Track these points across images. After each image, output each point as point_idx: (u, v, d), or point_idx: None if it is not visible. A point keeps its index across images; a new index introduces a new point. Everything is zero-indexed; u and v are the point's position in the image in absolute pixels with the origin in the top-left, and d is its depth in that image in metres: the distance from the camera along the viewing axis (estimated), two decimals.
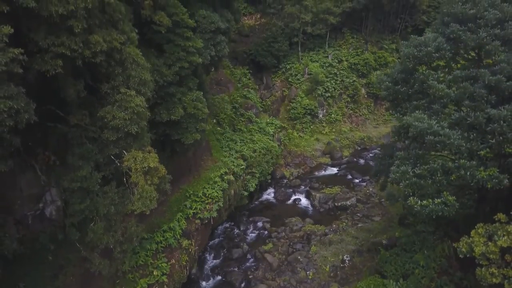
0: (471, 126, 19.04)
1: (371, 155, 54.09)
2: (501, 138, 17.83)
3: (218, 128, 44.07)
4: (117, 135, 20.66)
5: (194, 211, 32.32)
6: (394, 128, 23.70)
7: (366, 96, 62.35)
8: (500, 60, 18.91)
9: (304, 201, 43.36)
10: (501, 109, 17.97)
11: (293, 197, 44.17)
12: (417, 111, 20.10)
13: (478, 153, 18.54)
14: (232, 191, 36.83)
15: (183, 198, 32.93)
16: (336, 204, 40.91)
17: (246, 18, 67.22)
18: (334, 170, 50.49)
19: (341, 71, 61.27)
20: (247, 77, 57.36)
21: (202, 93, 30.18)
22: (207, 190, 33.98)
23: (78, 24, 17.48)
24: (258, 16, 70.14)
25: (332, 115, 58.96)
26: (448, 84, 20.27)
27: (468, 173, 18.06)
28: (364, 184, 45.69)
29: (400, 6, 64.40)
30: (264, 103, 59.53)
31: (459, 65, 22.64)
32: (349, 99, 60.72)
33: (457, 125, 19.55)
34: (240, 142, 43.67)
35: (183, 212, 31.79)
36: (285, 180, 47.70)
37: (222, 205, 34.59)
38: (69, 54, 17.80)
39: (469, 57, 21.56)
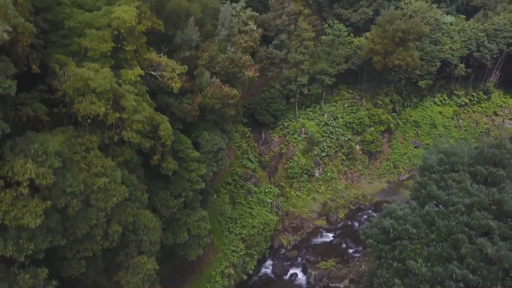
0: None
1: (365, 216, 56.74)
2: None
3: (219, 206, 46.58)
4: None
5: None
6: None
7: (360, 152, 64.81)
8: (467, 253, 21.31)
9: (300, 276, 46.06)
10: None
11: (290, 271, 46.86)
12: (396, 279, 22.61)
13: None
14: (232, 281, 39.47)
15: None
16: (330, 284, 43.60)
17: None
18: (330, 236, 53.16)
19: (337, 129, 63.70)
20: (247, 140, 59.63)
21: (205, 212, 32.71)
22: None
23: (98, 232, 20.04)
24: (257, 67, 72.33)
25: (328, 173, 61.50)
26: (424, 257, 22.70)
27: None
28: (358, 256, 48.36)
29: None
30: (263, 159, 62.08)
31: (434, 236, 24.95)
32: (344, 157, 63.21)
33: None
34: (239, 219, 46.26)
35: None
36: (283, 250, 50.37)
37: None
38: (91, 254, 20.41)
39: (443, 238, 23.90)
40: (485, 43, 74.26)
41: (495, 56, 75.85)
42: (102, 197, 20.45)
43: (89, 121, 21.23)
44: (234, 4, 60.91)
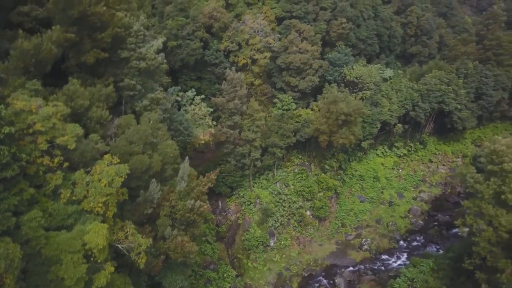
0: None
1: (316, 285, 62.05)
2: None
3: None
4: None
5: None
6: None
7: (311, 216, 70.03)
8: None
9: None
10: None
11: None
12: None
13: None
14: None
15: None
16: None
17: (201, 135, 71.99)
18: None
19: (289, 197, 68.43)
20: (207, 224, 62.79)
21: None
22: None
23: None
24: (213, 131, 75.36)
25: (282, 241, 66.19)
26: None
27: None
28: None
29: None
30: (221, 230, 65.67)
31: None
32: (296, 224, 68.12)
33: None
34: None
35: None
36: None
37: None
38: None
39: None
40: (419, 103, 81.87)
41: (428, 114, 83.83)
42: None
43: None
44: (187, 93, 63.91)
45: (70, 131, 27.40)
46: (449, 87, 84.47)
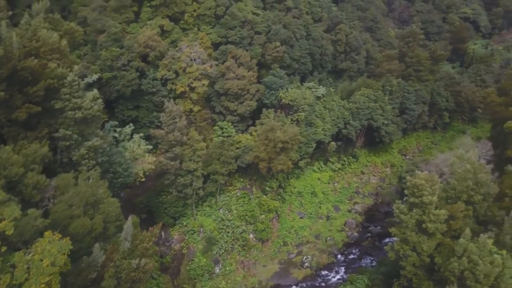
0: None
1: None
2: None
3: None
4: None
5: None
6: None
7: (254, 239, 72.26)
8: None
9: None
10: None
11: None
12: None
13: None
14: None
15: None
16: None
17: (141, 172, 71.48)
18: None
19: (232, 222, 70.09)
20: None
21: None
22: None
23: None
24: (154, 159, 74.80)
25: (227, 267, 67.72)
26: None
27: None
28: None
29: None
30: (165, 261, 65.76)
31: None
32: (240, 248, 69.96)
33: None
34: None
35: None
36: None
37: None
38: None
39: None
40: (350, 121, 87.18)
41: (359, 130, 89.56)
42: None
43: None
44: (125, 130, 63.03)
45: (7, 215, 26.70)
46: (377, 103, 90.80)
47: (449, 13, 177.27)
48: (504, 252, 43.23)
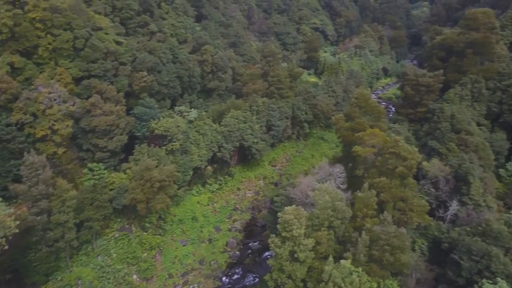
0: None
1: None
2: None
3: None
4: None
5: None
6: None
7: (138, 279, 70.92)
8: None
9: None
10: None
11: None
12: None
13: None
14: None
15: None
16: None
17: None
18: None
19: (113, 267, 67.62)
20: None
21: None
22: None
23: None
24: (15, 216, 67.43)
25: None
26: None
27: None
28: None
29: None
30: None
31: None
32: None
33: None
34: None
35: None
36: None
37: None
38: None
39: None
40: (223, 144, 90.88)
41: (232, 152, 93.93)
42: None
43: None
44: None
45: None
46: (246, 124, 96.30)
47: (302, 24, 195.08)
48: (359, 269, 51.20)
